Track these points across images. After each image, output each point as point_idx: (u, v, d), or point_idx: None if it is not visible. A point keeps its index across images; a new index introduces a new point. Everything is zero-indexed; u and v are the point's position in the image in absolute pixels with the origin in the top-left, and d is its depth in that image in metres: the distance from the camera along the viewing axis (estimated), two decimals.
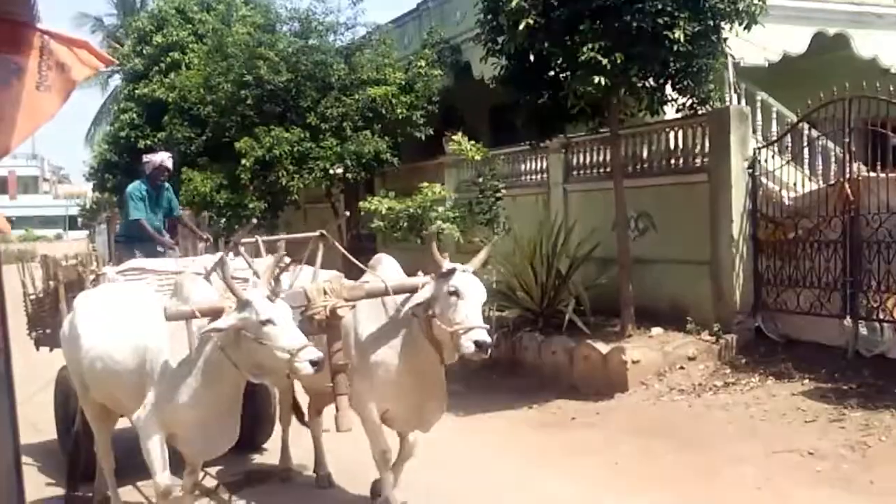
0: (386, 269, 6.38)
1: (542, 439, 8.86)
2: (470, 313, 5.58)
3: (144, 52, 22.53)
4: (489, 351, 5.53)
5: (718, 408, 9.18)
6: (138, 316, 5.97)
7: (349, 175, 16.54)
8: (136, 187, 9.04)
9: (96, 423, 6.75)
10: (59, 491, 7.61)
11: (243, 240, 7.22)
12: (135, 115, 21.84)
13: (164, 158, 9.20)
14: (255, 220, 9.48)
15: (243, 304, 5.22)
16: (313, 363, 5.10)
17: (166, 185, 9.37)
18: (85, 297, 6.81)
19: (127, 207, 8.84)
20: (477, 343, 5.45)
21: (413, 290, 5.97)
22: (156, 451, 5.69)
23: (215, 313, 5.34)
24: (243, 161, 15.96)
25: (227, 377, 5.49)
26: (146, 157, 9.29)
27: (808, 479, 7.18)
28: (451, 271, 5.72)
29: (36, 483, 7.64)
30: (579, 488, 7.21)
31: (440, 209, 14.19)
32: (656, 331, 10.84)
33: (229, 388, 5.63)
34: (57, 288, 8.11)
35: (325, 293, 5.94)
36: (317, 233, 7.12)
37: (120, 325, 6.04)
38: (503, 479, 7.44)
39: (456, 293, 5.61)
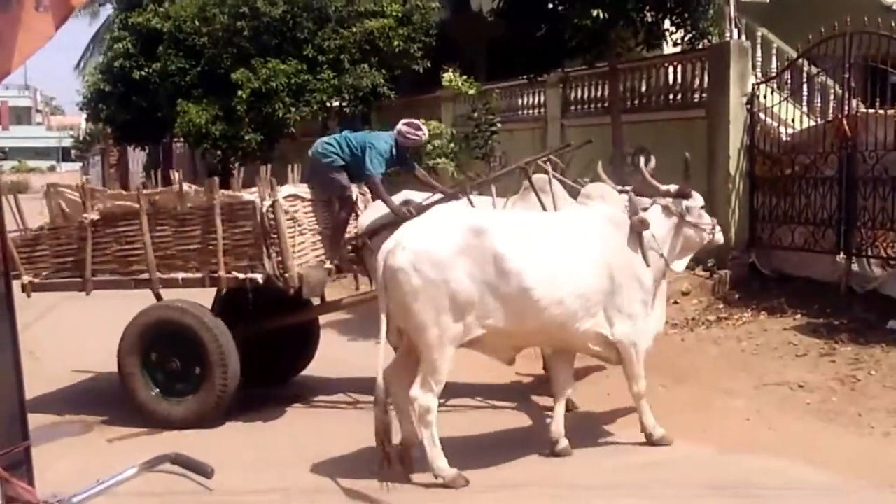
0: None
1: (535, 372, 8.95)
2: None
3: None
4: None
5: (711, 342, 9.28)
6: (576, 238, 6.30)
7: (346, 108, 16.47)
8: (387, 142, 8.21)
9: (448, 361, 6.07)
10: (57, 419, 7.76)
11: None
12: (129, 45, 21.49)
13: (425, 137, 8.68)
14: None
15: (688, 194, 6.90)
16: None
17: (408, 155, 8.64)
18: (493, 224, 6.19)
19: (366, 154, 8.01)
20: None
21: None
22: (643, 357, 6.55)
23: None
24: (239, 93, 15.87)
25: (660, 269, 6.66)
26: (408, 126, 8.35)
27: (798, 411, 7.30)
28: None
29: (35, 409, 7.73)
30: (572, 420, 7.30)
31: (437, 143, 14.15)
32: None
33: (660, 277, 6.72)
34: (131, 218, 7.67)
35: None
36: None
37: (569, 249, 6.21)
38: (495, 411, 7.54)
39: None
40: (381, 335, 5.95)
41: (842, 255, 9.68)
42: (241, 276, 7.51)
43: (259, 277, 7.46)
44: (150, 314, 7.74)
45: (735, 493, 5.82)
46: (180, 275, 7.65)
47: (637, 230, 6.43)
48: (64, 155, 75.89)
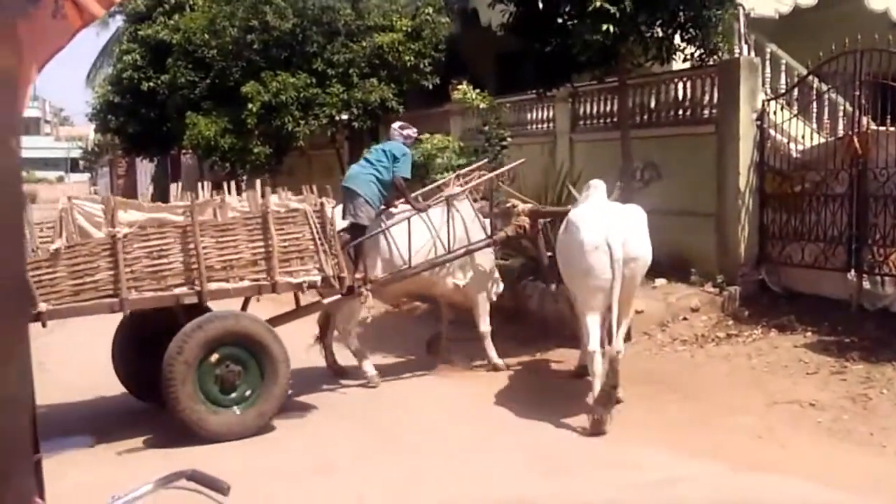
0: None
1: (542, 387, 8.92)
2: None
3: None
4: None
5: (720, 359, 9.24)
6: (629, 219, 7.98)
7: (354, 122, 16.50)
8: (407, 146, 9.33)
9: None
10: (66, 431, 7.72)
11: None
12: (138, 57, 21.60)
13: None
14: None
15: None
16: None
17: None
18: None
19: (402, 163, 9.04)
20: None
21: None
22: None
23: None
24: (249, 106, 15.91)
25: None
26: (407, 128, 9.51)
27: (809, 429, 7.26)
28: None
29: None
30: (580, 436, 7.27)
31: (442, 158, 14.12)
32: (660, 282, 10.87)
33: None
34: (164, 231, 7.36)
35: None
36: None
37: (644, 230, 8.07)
38: (497, 426, 7.50)
39: None
40: (613, 312, 7.40)
41: (853, 272, 9.64)
42: (294, 280, 7.78)
43: (318, 280, 7.86)
44: (206, 328, 7.31)
45: None
46: (229, 285, 7.53)
47: None
48: (72, 166, 76.04)
